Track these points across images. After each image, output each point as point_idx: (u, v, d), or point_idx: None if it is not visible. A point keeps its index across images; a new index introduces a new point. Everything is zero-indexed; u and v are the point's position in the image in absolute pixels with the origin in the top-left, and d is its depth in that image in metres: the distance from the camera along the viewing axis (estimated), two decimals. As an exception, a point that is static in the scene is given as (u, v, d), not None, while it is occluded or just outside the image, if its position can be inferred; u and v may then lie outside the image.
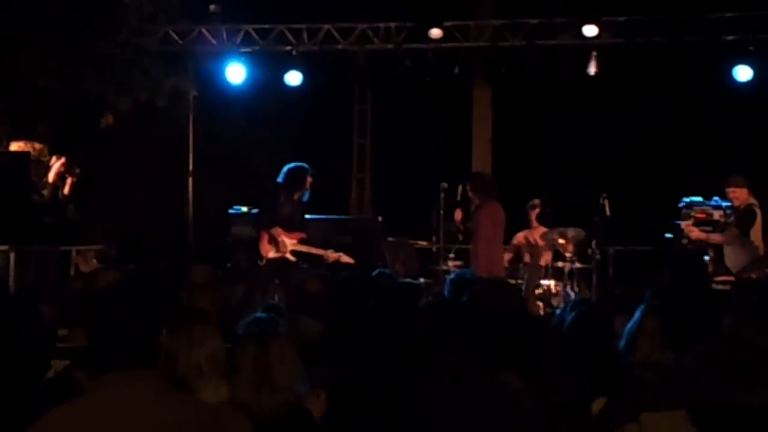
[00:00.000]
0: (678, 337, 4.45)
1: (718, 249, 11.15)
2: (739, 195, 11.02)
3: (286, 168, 11.20)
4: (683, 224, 11.27)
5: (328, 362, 5.01)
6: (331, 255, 11.39)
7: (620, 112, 16.17)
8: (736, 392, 3.27)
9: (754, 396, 3.21)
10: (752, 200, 10.99)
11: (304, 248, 11.27)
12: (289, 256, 11.16)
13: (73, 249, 13.53)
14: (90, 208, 13.98)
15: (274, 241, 11.11)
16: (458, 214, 11.31)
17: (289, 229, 11.16)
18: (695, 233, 11.16)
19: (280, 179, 11.17)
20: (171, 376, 4.05)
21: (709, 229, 11.18)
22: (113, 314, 3.19)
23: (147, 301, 3.24)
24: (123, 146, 15.92)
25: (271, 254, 11.11)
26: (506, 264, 12.10)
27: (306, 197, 11.27)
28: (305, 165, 11.23)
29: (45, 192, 11.81)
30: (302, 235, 11.27)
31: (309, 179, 11.17)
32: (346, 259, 11.52)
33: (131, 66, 13.30)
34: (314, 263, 11.22)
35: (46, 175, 11.85)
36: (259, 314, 5.76)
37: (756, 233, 10.92)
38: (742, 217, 10.96)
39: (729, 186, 11.08)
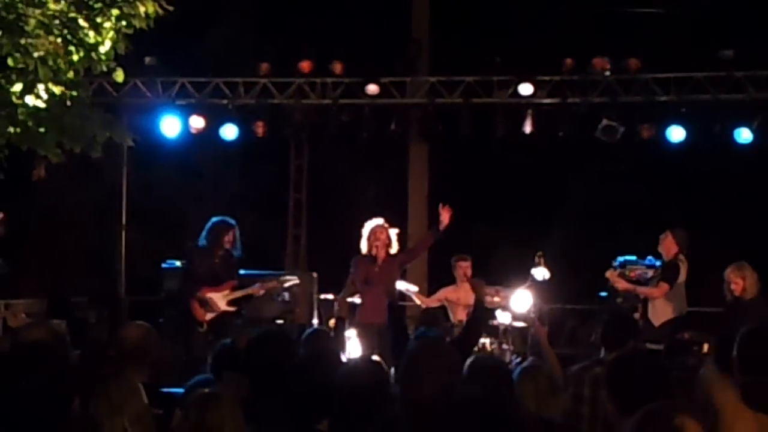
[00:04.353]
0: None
1: (643, 303, 11.11)
2: (669, 246, 11.02)
3: (209, 223, 11.15)
4: (608, 273, 11.16)
5: (255, 420, 4.89)
6: (260, 289, 11.38)
7: (555, 170, 16.27)
8: None
9: None
10: (680, 257, 10.99)
11: (239, 293, 11.16)
12: (226, 308, 11.03)
13: (2, 303, 13.27)
14: (20, 262, 13.72)
15: (205, 304, 10.98)
16: None
17: (214, 284, 11.04)
18: (622, 284, 11.09)
19: (203, 235, 11.12)
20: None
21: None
22: (17, 380, 2.98)
23: (57, 368, 3.03)
24: (55, 198, 15.70)
25: (208, 317, 10.97)
26: None
27: (237, 252, 11.18)
28: (226, 220, 11.16)
29: None
30: (232, 283, 11.15)
31: (227, 236, 11.06)
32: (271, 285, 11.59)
33: (64, 118, 13.10)
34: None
35: None
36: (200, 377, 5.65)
37: (680, 287, 10.95)
38: (668, 271, 10.92)
39: (665, 235, 11.05)
